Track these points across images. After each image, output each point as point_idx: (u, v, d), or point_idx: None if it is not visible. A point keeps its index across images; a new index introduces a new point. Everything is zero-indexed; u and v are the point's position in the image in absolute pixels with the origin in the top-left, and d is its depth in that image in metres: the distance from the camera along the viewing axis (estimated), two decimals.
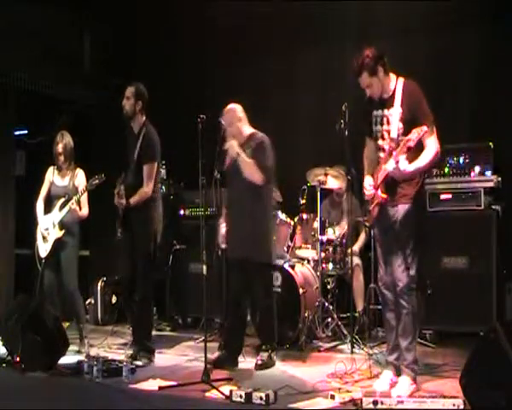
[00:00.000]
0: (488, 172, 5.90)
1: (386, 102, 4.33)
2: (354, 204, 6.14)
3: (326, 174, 6.21)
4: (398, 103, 4.25)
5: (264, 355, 5.09)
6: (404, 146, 4.09)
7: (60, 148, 5.98)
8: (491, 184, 5.88)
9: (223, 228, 5.40)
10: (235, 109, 5.21)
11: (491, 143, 5.95)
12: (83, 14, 7.92)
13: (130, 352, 5.36)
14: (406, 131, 4.17)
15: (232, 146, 5.04)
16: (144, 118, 5.45)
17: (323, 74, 7.33)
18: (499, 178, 5.91)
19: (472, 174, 5.93)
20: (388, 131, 4.30)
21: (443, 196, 6.00)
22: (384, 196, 4.31)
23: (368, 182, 4.43)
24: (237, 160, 5.03)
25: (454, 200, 5.96)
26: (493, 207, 5.87)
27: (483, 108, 6.25)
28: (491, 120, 6.25)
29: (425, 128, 4.05)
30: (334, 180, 6.34)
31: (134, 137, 5.42)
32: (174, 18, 7.80)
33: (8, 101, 7.56)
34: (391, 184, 4.30)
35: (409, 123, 4.19)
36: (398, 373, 4.41)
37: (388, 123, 4.31)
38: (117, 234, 5.41)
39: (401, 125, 4.24)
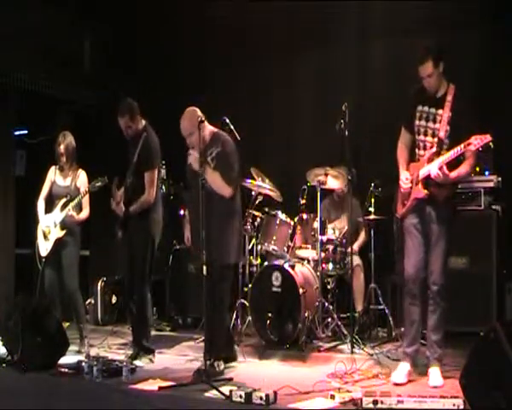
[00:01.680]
0: (488, 172, 5.91)
1: (437, 102, 4.43)
2: (354, 204, 6.15)
3: (326, 174, 6.20)
4: (448, 106, 4.36)
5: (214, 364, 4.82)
6: (462, 149, 4.22)
7: (62, 148, 5.96)
8: (491, 184, 5.90)
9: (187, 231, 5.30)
10: (196, 111, 4.91)
11: (491, 143, 5.94)
12: (83, 14, 7.91)
13: (130, 352, 5.37)
14: (450, 135, 4.34)
15: (196, 160, 4.82)
16: (143, 122, 5.39)
17: (323, 74, 7.33)
18: (499, 178, 5.92)
19: (472, 174, 5.93)
20: (434, 130, 4.41)
21: None
22: (426, 191, 4.41)
23: (404, 176, 4.53)
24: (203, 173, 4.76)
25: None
26: (493, 207, 5.88)
27: (483, 108, 6.24)
28: (491, 120, 6.23)
29: (489, 137, 4.16)
30: (334, 180, 6.33)
31: (134, 141, 5.35)
32: (174, 18, 7.79)
33: (8, 101, 7.56)
34: (432, 182, 4.39)
35: (453, 128, 4.34)
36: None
37: (435, 122, 4.41)
38: (117, 235, 5.40)
39: (448, 128, 4.36)
